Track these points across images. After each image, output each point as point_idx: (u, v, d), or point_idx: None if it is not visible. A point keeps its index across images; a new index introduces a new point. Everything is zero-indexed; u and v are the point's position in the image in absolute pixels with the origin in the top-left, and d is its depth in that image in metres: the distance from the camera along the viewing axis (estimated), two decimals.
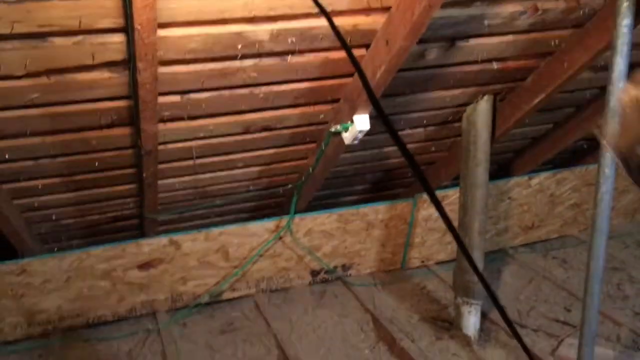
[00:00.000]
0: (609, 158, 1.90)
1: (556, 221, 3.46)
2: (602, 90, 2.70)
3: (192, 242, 2.72)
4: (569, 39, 2.20)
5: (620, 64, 1.78)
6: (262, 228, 2.82)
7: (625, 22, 1.74)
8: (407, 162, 0.89)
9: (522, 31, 2.11)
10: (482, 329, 2.62)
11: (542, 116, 2.87)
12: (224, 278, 2.87)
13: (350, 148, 2.46)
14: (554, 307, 2.84)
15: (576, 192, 3.37)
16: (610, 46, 1.83)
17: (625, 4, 1.73)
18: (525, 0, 1.95)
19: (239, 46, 1.79)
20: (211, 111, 2.10)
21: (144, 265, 2.69)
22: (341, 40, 0.82)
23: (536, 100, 2.45)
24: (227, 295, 2.94)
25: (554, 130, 3.07)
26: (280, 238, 2.88)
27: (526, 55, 2.28)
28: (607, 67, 1.85)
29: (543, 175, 3.23)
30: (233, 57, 1.85)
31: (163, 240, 2.66)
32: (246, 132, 2.29)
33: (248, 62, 1.89)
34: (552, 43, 2.22)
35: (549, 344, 2.53)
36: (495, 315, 2.74)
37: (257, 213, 3.13)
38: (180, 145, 2.25)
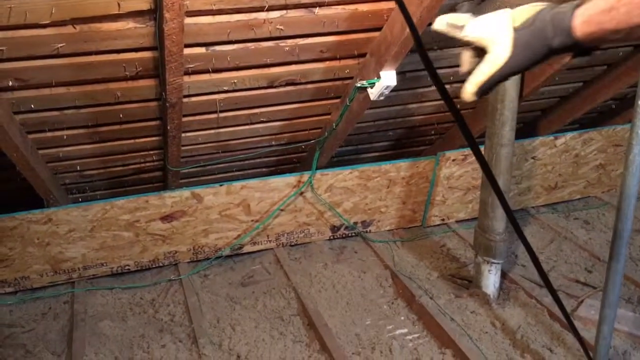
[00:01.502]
0: None
1: (580, 182, 3.42)
2: (636, 49, 2.62)
3: (214, 195, 2.73)
4: None
5: None
6: (283, 183, 2.83)
7: None
8: (451, 112, 0.88)
9: None
10: (501, 288, 2.63)
11: (572, 74, 2.80)
12: (245, 231, 2.90)
13: (374, 104, 2.43)
14: (574, 267, 2.84)
15: (602, 153, 3.32)
16: None
17: None
18: None
19: None
20: (236, 64, 2.07)
21: (167, 217, 2.72)
22: None
23: (567, 58, 2.38)
24: (248, 248, 2.97)
25: (583, 88, 3.00)
26: (302, 193, 2.88)
27: None
28: None
29: (569, 135, 3.17)
30: (260, 9, 1.81)
31: (185, 193, 2.68)
32: (270, 86, 2.27)
33: (274, 14, 1.85)
34: None
35: (569, 304, 2.53)
36: (514, 274, 2.74)
37: (279, 168, 3.13)
38: (204, 98, 2.23)
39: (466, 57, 0.92)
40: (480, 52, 0.88)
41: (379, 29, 2.06)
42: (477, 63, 0.87)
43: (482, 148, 2.67)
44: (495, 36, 0.84)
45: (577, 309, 2.50)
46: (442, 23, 0.91)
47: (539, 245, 3.01)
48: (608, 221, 3.22)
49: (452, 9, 2.02)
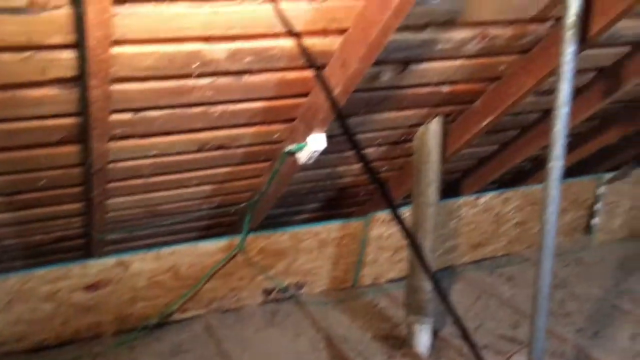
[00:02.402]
0: (554, 180, 1.97)
1: (502, 239, 3.56)
2: (545, 114, 2.82)
3: (141, 261, 2.65)
4: (515, 64, 2.28)
5: (565, 89, 1.85)
6: (214, 247, 2.79)
7: (569, 49, 1.82)
8: (370, 177, 0.90)
9: (471, 56, 2.18)
10: (433, 347, 2.66)
11: (489, 137, 2.96)
12: (174, 299, 2.81)
13: (305, 167, 2.47)
14: (501, 324, 2.91)
15: (520, 212, 3.48)
16: (555, 72, 1.91)
17: (569, 32, 1.81)
18: (475, 26, 2.02)
19: (195, 65, 1.77)
20: (164, 129, 2.07)
21: (91, 287, 2.60)
22: (309, 59, 0.82)
23: (484, 123, 2.53)
24: (178, 316, 2.87)
25: (500, 151, 3.17)
26: (233, 257, 2.84)
27: (475, 79, 2.36)
28: (550, 91, 1.93)
29: (489, 195, 3.32)
30: (188, 76, 1.83)
31: (111, 260, 2.59)
32: (200, 150, 2.27)
33: (203, 81, 1.88)
34: (500, 68, 2.30)
35: None
36: (445, 333, 2.78)
37: (210, 232, 3.09)
38: (131, 163, 2.21)
39: None
40: None
41: (306, 95, 2.13)
42: None
43: (408, 209, 2.75)
44: None
45: None
46: None
47: (467, 303, 3.08)
48: (530, 277, 3.34)
49: (376, 77, 2.11)
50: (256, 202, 2.73)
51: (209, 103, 2.00)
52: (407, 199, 2.82)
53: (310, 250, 3.03)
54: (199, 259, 2.77)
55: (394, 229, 3.12)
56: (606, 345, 2.70)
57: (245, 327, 2.85)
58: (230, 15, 1.62)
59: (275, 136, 2.33)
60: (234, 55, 1.78)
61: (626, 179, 3.58)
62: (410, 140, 2.69)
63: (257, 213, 2.83)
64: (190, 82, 1.86)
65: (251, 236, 2.84)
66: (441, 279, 3.24)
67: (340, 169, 2.85)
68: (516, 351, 2.65)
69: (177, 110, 1.98)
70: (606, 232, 3.74)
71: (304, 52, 0.80)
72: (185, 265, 2.76)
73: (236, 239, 2.82)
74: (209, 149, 2.28)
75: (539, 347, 2.07)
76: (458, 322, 0.89)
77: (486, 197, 3.31)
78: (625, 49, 2.40)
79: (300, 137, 2.25)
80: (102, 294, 2.64)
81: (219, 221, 3.02)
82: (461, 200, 3.26)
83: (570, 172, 3.52)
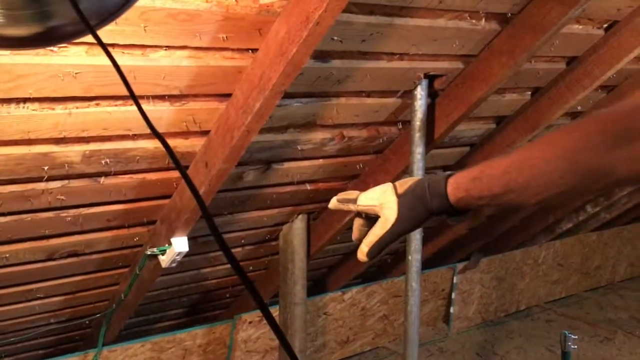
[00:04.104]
0: (414, 272, 2.06)
1: (368, 333, 3.60)
2: None
3: None
4: (372, 163, 2.42)
5: None
6: None
7: (418, 149, 1.97)
8: (240, 277, 0.86)
9: (331, 156, 2.28)
10: None
11: (350, 233, 3.05)
12: None
13: (166, 271, 2.36)
14: None
15: (385, 304, 3.57)
16: (407, 170, 2.05)
17: (417, 135, 1.97)
18: (333, 128, 2.13)
19: (46, 167, 1.66)
20: (8, 237, 1.88)
21: None
22: (174, 159, 0.80)
23: (346, 219, 2.61)
24: None
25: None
26: None
27: (336, 177, 2.45)
28: None
29: (355, 290, 3.38)
30: (38, 179, 1.71)
31: None
32: (49, 258, 2.09)
33: (55, 184, 1.76)
34: (358, 166, 2.42)
35: None
36: None
37: (58, 348, 2.78)
38: None
39: (357, 225, 0.99)
40: (369, 222, 0.96)
41: (168, 197, 2.07)
42: (367, 231, 0.95)
43: (276, 308, 2.71)
44: (383, 202, 0.92)
45: None
46: (335, 202, 0.99)
47: None
48: None
49: (239, 177, 2.12)
50: (113, 311, 2.53)
51: (60, 207, 1.87)
52: (275, 299, 2.77)
53: None
54: None
55: (262, 330, 3.03)
56: None
57: None
58: (85, 116, 1.56)
59: (135, 240, 2.22)
60: (90, 157, 1.70)
61: (476, 268, 3.84)
62: (275, 239, 2.69)
63: (114, 323, 2.62)
64: (40, 185, 1.73)
65: (107, 349, 2.60)
66: None
67: (205, 270, 2.76)
68: None
69: (24, 216, 1.82)
70: (463, 319, 3.93)
71: (170, 152, 0.78)
72: None
73: (90, 354, 2.56)
74: (60, 257, 2.10)
75: None
76: None
77: (352, 292, 3.36)
78: (465, 149, 2.65)
79: (163, 240, 2.16)
80: None
81: (70, 335, 2.74)
82: (328, 296, 3.27)
83: (428, 262, 3.72)
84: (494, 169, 0.85)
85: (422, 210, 0.90)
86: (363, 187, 2.52)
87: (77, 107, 1.53)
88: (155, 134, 0.80)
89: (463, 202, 0.88)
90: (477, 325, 4.00)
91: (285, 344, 1.01)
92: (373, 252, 0.93)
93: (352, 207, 0.98)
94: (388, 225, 0.91)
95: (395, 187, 0.94)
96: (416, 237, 2.01)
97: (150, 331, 3.04)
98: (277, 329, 0.95)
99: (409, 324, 2.11)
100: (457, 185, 0.88)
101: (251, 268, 2.92)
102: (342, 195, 1.01)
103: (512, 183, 0.82)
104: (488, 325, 4.00)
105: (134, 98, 0.81)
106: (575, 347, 1.78)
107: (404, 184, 0.94)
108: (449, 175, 0.90)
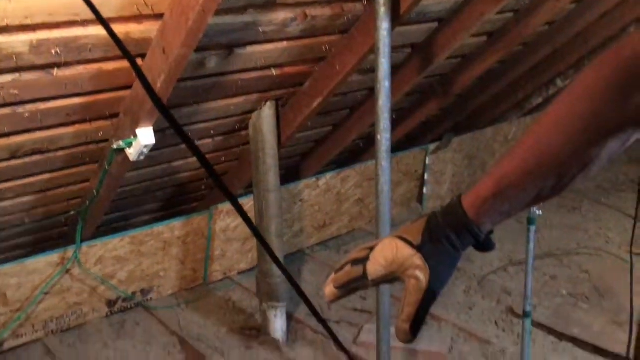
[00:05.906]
0: (383, 152, 2.07)
1: (344, 217, 3.69)
2: (371, 91, 2.94)
3: None
4: (338, 43, 2.35)
5: (384, 64, 1.94)
6: (44, 263, 2.54)
7: (384, 25, 1.91)
8: (205, 170, 0.82)
9: (295, 37, 2.20)
10: (289, 330, 2.68)
11: (322, 119, 3.03)
12: (4, 325, 2.52)
13: (137, 165, 2.34)
14: (351, 298, 3.00)
15: (359, 188, 3.63)
16: (374, 49, 1.99)
17: (382, 9, 1.89)
18: (295, 7, 2.03)
19: None
20: None
21: None
22: (121, 47, 0.74)
23: (315, 104, 2.58)
24: (10, 343, 2.59)
25: (334, 132, 3.26)
26: (68, 271, 2.62)
27: (301, 61, 2.38)
28: (373, 70, 2.01)
29: (329, 175, 3.42)
30: None
31: None
32: (13, 157, 2.04)
33: (6, 78, 1.68)
34: (324, 48, 2.35)
35: (351, 333, 2.67)
36: (300, 314, 2.81)
37: (38, 247, 2.81)
38: None
39: (330, 289, 0.83)
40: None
41: (129, 87, 2.00)
42: (359, 270, 0.80)
43: (251, 197, 2.73)
44: (404, 262, 0.77)
45: (359, 336, 2.65)
46: (334, 291, 0.82)
47: (319, 282, 3.15)
48: None
49: (201, 63, 2.05)
50: (87, 208, 2.53)
51: (15, 103, 1.80)
52: (250, 188, 2.79)
53: (154, 252, 2.89)
54: (27, 278, 2.51)
55: (240, 219, 3.08)
56: (445, 302, 2.92)
57: (90, 345, 2.65)
58: (27, 1, 1.46)
59: (100, 134, 2.17)
60: (38, 46, 1.61)
61: (447, 148, 3.88)
62: (245, 128, 2.66)
63: (90, 220, 2.63)
64: None
65: (86, 246, 2.64)
66: (291, 263, 3.28)
67: (177, 163, 2.74)
68: (367, 321, 2.76)
69: None
70: (436, 198, 4.03)
71: (115, 39, 0.72)
72: (12, 287, 2.49)
73: (69, 251, 2.60)
74: (24, 155, 2.06)
75: (386, 314, 2.17)
76: (307, 302, 0.89)
77: (326, 178, 3.40)
78: (434, 25, 2.58)
79: (128, 132, 2.12)
80: None
81: (48, 234, 2.76)
82: (302, 183, 3.31)
83: (401, 145, 3.74)
84: (504, 167, 0.75)
85: (451, 251, 0.77)
86: (330, 70, 2.47)
87: None
88: (97, 16, 0.73)
89: (482, 210, 0.75)
90: None
91: (255, 232, 1.01)
92: (417, 326, 0.77)
93: (361, 284, 0.81)
94: (423, 286, 0.75)
95: (406, 240, 0.79)
96: (384, 116, 1.99)
97: (128, 227, 3.07)
98: (244, 217, 0.94)
99: (380, 203, 2.15)
100: (473, 193, 0.76)
101: (223, 159, 2.91)
102: (339, 278, 0.82)
103: (533, 176, 0.72)
104: None
105: None
106: (540, 212, 1.84)
107: (413, 230, 0.79)
108: (460, 195, 0.78)
